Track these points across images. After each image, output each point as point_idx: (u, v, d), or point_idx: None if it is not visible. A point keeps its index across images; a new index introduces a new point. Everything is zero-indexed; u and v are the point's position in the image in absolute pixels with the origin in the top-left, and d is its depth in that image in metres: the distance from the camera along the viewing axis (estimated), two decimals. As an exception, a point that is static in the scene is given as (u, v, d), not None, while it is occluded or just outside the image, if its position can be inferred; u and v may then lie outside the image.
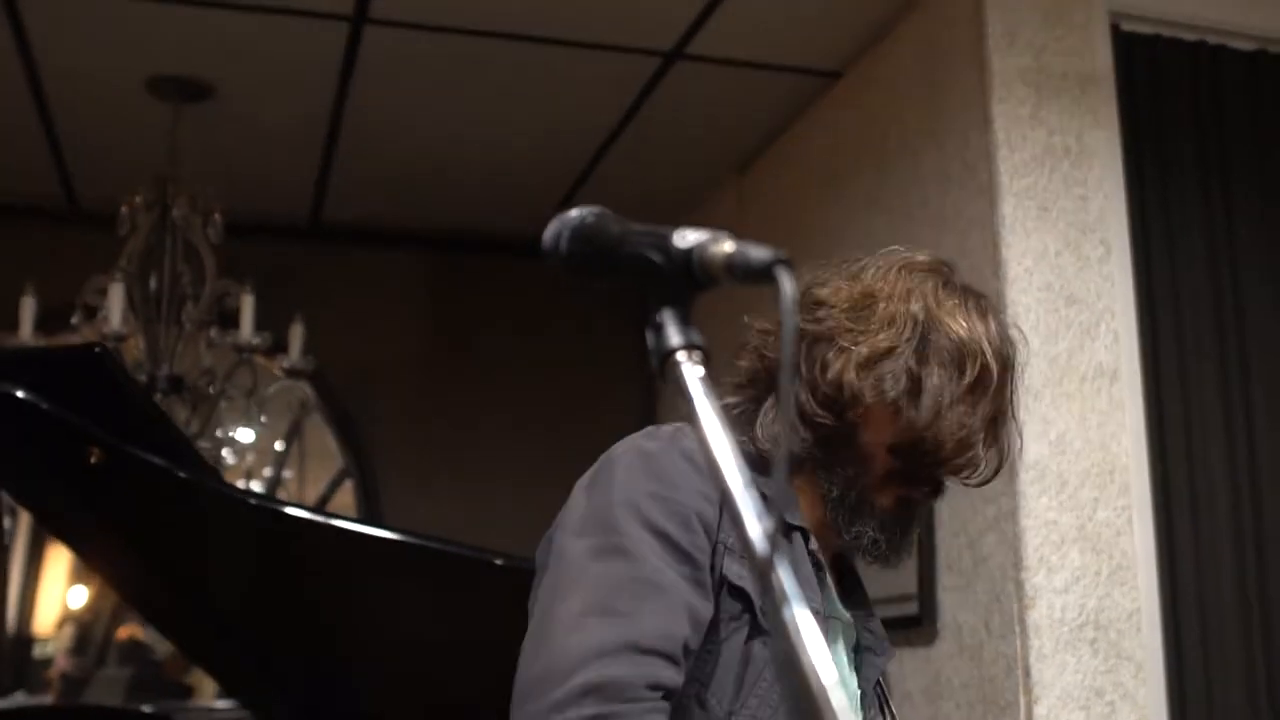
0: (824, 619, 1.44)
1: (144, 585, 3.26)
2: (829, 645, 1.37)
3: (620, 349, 5.08)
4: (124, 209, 3.91)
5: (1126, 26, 3.29)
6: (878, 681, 1.55)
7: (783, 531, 1.33)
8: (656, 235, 1.02)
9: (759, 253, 0.91)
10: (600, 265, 1.08)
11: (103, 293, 3.79)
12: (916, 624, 3.22)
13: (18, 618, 5.71)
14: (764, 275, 0.90)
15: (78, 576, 10.65)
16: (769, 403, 1.49)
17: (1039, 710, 2.83)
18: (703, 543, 1.35)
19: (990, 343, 1.46)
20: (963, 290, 1.51)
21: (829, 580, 1.48)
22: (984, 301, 1.51)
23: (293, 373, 4.02)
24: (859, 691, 1.50)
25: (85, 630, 9.80)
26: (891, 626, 3.30)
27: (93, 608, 10.47)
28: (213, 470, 2.91)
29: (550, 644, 1.28)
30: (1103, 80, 3.19)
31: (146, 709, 4.87)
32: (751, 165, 4.52)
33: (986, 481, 1.52)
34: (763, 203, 4.43)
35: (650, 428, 1.46)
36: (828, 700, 0.74)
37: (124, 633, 8.51)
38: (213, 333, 4.00)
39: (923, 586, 3.20)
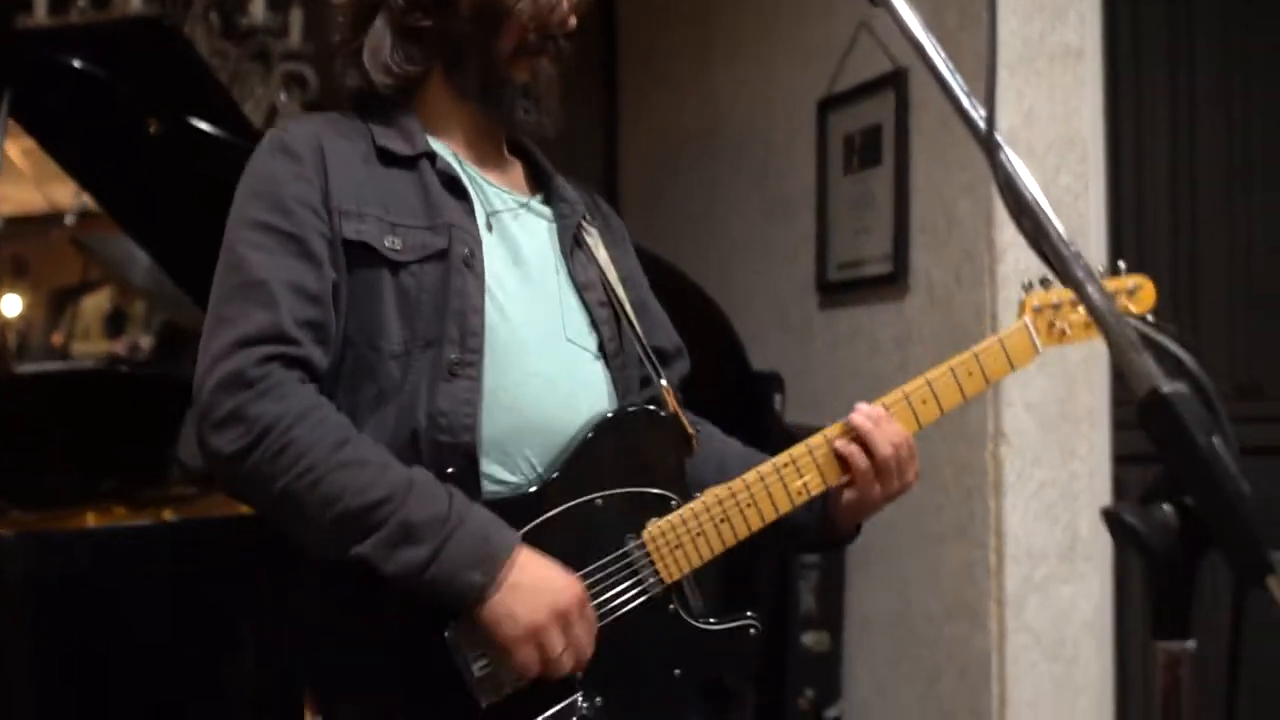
0: (470, 217, 1.62)
1: (176, 242, 3.43)
2: (500, 233, 1.65)
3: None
4: (122, -109, 3.98)
5: None
6: (576, 231, 1.74)
7: (404, 165, 1.61)
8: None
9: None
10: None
11: (109, -24, 3.90)
12: (890, 281, 3.61)
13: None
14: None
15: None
16: (368, 33, 1.65)
17: (1002, 349, 3.25)
18: (305, 219, 1.53)
19: None
20: None
21: (482, 180, 1.68)
22: None
23: (292, 56, 4.18)
24: (557, 251, 1.71)
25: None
26: (866, 285, 3.72)
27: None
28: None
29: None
30: None
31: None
32: None
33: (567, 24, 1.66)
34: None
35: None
36: (1038, 203, 1.08)
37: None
38: (212, 18, 4.14)
39: (897, 247, 3.58)
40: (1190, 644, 0.94)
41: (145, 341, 6.90)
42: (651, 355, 1.75)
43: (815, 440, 1.69)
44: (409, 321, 1.55)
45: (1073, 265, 1.03)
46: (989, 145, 1.10)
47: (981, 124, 1.12)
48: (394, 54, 1.64)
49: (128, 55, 2.88)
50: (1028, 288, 1.81)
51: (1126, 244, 3.49)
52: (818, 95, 3.96)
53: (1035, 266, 3.28)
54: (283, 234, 1.53)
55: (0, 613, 2.36)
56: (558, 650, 1.48)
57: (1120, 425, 3.34)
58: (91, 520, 2.94)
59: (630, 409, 1.67)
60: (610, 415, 1.64)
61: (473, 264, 1.59)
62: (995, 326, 3.25)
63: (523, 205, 1.72)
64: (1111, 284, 1.86)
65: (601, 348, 1.70)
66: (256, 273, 1.51)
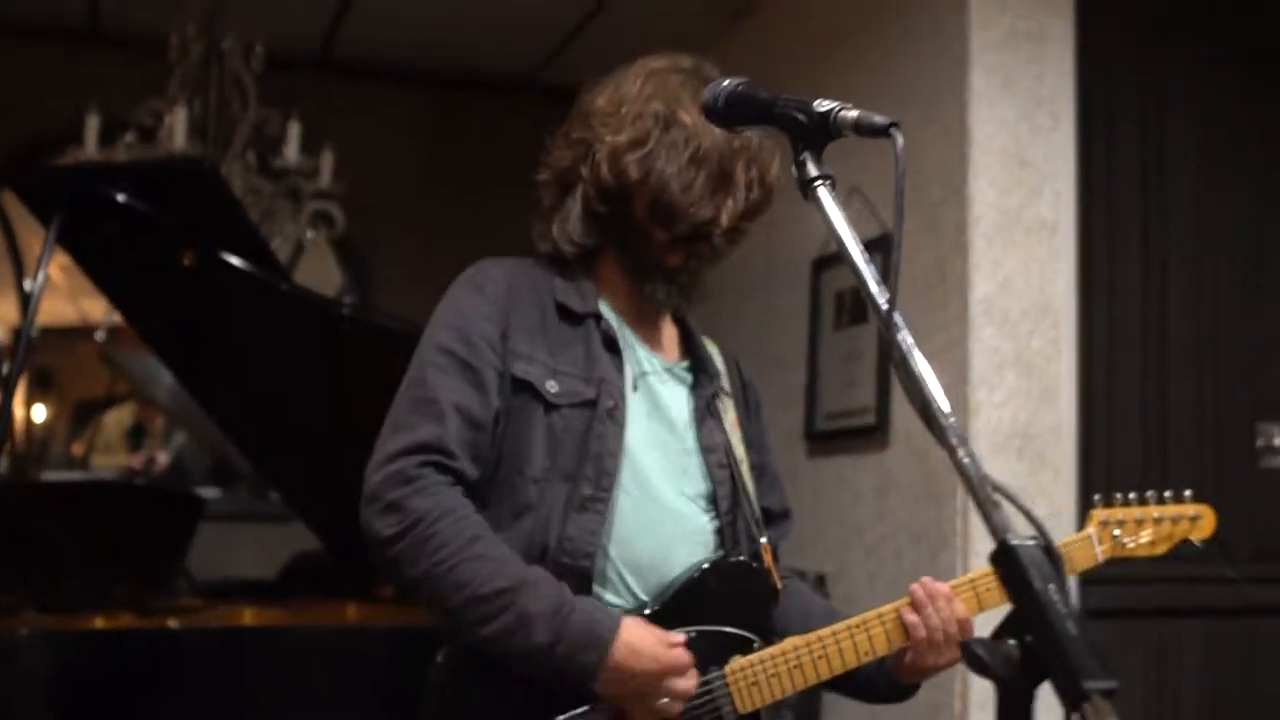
0: (620, 375, 1.86)
1: (201, 367, 3.64)
2: (644, 392, 1.88)
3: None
4: (174, 37, 4.28)
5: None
6: (711, 399, 1.97)
7: (574, 321, 1.91)
8: (799, 101, 1.51)
9: (879, 118, 1.41)
10: (750, 119, 1.59)
11: (156, 115, 4.17)
12: (873, 432, 3.80)
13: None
14: (882, 133, 1.40)
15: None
16: (562, 208, 1.93)
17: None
18: (483, 353, 1.79)
19: (713, 129, 1.81)
20: (704, 86, 1.86)
21: (637, 343, 1.93)
22: None
23: (322, 196, 4.44)
24: (691, 415, 1.94)
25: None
26: (851, 435, 3.89)
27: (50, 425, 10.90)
28: (289, 277, 3.32)
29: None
30: (1061, -29, 3.69)
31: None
32: (740, 23, 4.97)
33: (738, 224, 1.91)
34: (749, 58, 4.88)
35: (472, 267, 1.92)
36: (925, 379, 1.27)
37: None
38: (249, 156, 4.41)
39: (880, 402, 3.77)
40: (1031, 760, 1.11)
41: (162, 458, 7.10)
42: (758, 515, 1.99)
43: (887, 609, 1.89)
44: (552, 455, 1.80)
45: (950, 434, 1.22)
46: (888, 325, 1.29)
47: (884, 304, 1.32)
48: (577, 228, 1.93)
49: (169, 192, 3.07)
50: (1095, 503, 2.02)
51: (1096, 405, 3.68)
52: (812, 255, 4.20)
53: (1009, 428, 3.45)
54: (463, 363, 1.79)
55: (16, 704, 2.52)
56: (664, 699, 1.74)
57: (1086, 580, 3.48)
58: (100, 624, 3.09)
59: (730, 560, 1.91)
60: (712, 562, 1.89)
61: (615, 415, 1.85)
62: (968, 480, 3.42)
63: (668, 370, 1.96)
64: (1174, 509, 2.07)
65: (715, 504, 1.94)
66: (434, 392, 1.76)
